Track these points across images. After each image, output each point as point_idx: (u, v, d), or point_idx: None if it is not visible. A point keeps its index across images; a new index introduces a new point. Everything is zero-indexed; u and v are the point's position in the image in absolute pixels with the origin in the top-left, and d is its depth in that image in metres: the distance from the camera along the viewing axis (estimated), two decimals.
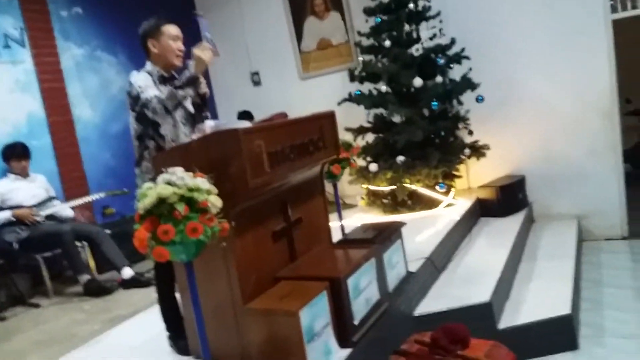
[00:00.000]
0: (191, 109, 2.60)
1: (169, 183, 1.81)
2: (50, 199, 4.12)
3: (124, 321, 3.15)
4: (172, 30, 2.48)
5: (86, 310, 3.57)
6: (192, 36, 2.51)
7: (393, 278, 2.68)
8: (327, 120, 2.72)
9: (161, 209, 1.77)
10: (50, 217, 4.00)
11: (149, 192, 1.78)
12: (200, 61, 2.32)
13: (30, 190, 4.02)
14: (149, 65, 2.49)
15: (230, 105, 6.02)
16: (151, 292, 3.54)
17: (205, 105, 2.61)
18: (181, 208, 1.77)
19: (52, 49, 4.50)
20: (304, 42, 5.71)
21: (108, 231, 4.12)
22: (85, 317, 3.42)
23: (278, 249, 2.43)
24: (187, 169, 1.88)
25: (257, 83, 6.06)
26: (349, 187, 4.70)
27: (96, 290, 3.78)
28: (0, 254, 3.89)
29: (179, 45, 2.48)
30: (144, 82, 2.37)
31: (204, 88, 2.55)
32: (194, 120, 2.61)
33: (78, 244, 3.97)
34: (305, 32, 5.68)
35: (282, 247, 2.45)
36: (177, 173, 1.84)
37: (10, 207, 3.88)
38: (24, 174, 4.04)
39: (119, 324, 3.12)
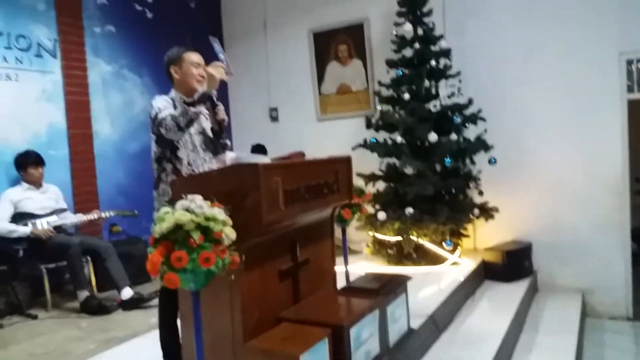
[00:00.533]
0: (210, 134, 2.65)
1: (188, 210, 1.82)
2: (59, 210, 4.12)
3: (120, 343, 3.11)
4: (193, 57, 2.57)
5: (83, 327, 3.52)
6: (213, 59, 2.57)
7: (395, 333, 2.65)
8: (343, 164, 2.75)
9: (177, 235, 1.78)
10: (57, 229, 3.98)
11: (167, 217, 1.79)
12: (212, 78, 2.40)
13: (40, 201, 4.03)
14: (172, 92, 2.59)
15: (246, 138, 6.09)
16: (150, 316, 3.53)
17: (223, 132, 2.66)
18: (196, 236, 1.77)
19: (82, 63, 4.60)
20: (325, 85, 5.83)
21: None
22: (82, 334, 3.37)
23: (283, 288, 2.41)
24: (205, 198, 1.90)
25: (274, 119, 6.15)
26: (355, 232, 4.69)
27: (95, 308, 3.74)
28: (4, 260, 3.88)
29: (200, 71, 2.56)
30: (163, 104, 2.47)
31: (222, 115, 2.61)
32: (213, 146, 2.66)
33: (83, 258, 3.96)
34: (326, 75, 5.81)
35: (287, 287, 2.44)
36: (197, 201, 1.86)
37: (20, 215, 3.88)
38: (38, 182, 4.06)
39: (115, 345, 3.08)
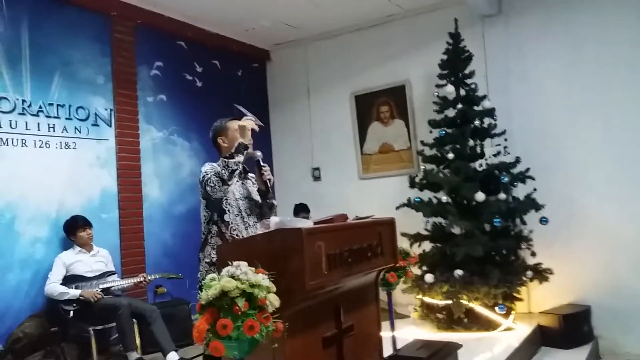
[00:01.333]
0: (257, 198, 2.71)
1: (233, 276, 1.83)
2: (108, 273, 4.22)
3: None
4: (235, 124, 2.71)
5: None
6: None
7: None
8: (386, 227, 2.72)
9: (222, 302, 1.78)
10: (106, 291, 4.07)
11: (213, 284, 1.80)
12: (244, 129, 2.58)
13: (90, 264, 4.14)
14: (220, 161, 2.67)
15: (289, 197, 6.14)
16: None
17: (269, 192, 2.73)
18: (241, 304, 1.77)
19: (135, 130, 4.85)
20: (367, 145, 5.89)
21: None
22: None
23: (326, 356, 2.34)
24: (250, 263, 1.91)
25: (317, 178, 6.22)
26: (402, 295, 4.56)
27: None
28: (55, 321, 3.97)
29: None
30: (209, 168, 2.59)
31: (268, 175, 2.68)
32: (260, 210, 2.71)
33: None
34: (368, 135, 5.88)
35: (331, 354, 2.37)
36: (242, 267, 1.87)
37: (72, 278, 4.00)
38: (88, 244, 4.19)
39: None
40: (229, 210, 2.58)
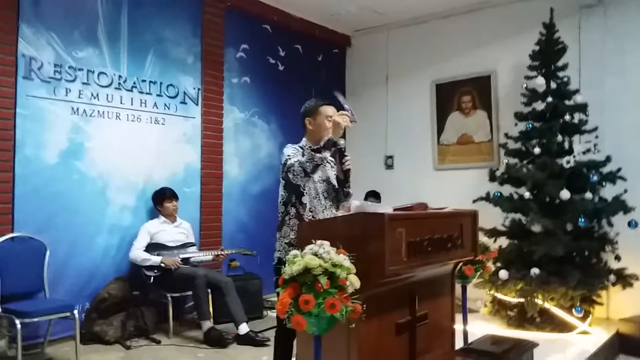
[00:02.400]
0: (334, 182, 2.72)
1: (316, 254, 1.87)
2: (188, 244, 4.44)
3: None
4: (328, 110, 2.70)
5: (199, 357, 3.70)
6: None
7: None
8: (468, 219, 2.67)
9: (305, 278, 1.82)
10: (185, 261, 4.29)
11: (297, 260, 1.85)
12: (337, 125, 2.52)
13: (173, 234, 4.38)
14: (303, 141, 2.72)
15: (360, 184, 6.11)
16: (262, 354, 3.62)
17: (347, 181, 2.73)
18: (323, 281, 1.81)
19: (219, 110, 5.03)
20: (444, 135, 5.76)
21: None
22: None
23: (399, 342, 2.35)
24: (331, 244, 1.94)
25: (389, 166, 6.17)
26: (472, 290, 4.46)
27: (216, 339, 3.91)
28: (137, 286, 4.24)
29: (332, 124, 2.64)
30: (292, 152, 2.62)
31: (348, 165, 2.67)
32: (336, 194, 2.72)
33: None
34: (447, 125, 5.74)
35: (403, 341, 2.37)
36: (325, 246, 1.91)
37: (155, 246, 4.24)
38: (172, 216, 4.43)
39: None
40: (307, 193, 2.60)
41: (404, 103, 6.05)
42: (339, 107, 2.65)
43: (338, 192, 2.73)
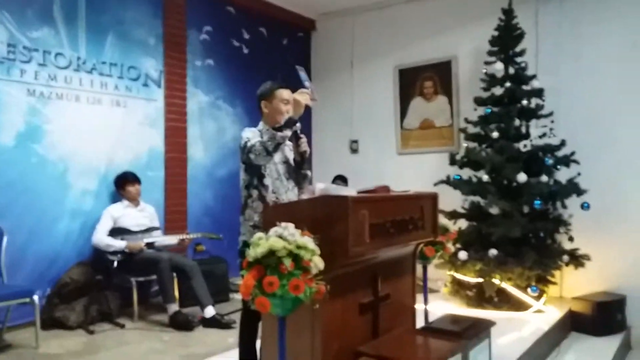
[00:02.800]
0: (293, 164, 2.74)
1: (281, 237, 1.90)
2: (152, 228, 4.40)
3: None
4: (284, 94, 2.67)
5: (165, 341, 3.69)
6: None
7: None
8: (429, 201, 2.74)
9: (270, 261, 1.85)
10: (149, 246, 4.25)
11: (261, 242, 1.87)
12: (298, 104, 2.52)
13: (137, 218, 4.34)
14: (260, 124, 2.71)
15: (326, 169, 6.20)
16: (227, 336, 3.65)
17: (304, 163, 2.74)
18: (288, 263, 1.84)
19: (182, 93, 4.96)
20: (407, 120, 5.85)
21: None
22: (164, 347, 3.54)
23: (363, 322, 2.41)
24: (295, 226, 1.97)
25: (354, 151, 6.24)
26: (433, 270, 4.59)
27: (181, 323, 3.91)
28: (100, 270, 4.19)
29: (288, 107, 2.65)
30: (251, 134, 2.60)
31: (304, 147, 2.68)
32: (296, 176, 2.75)
33: None
34: (410, 110, 5.83)
35: (366, 320, 2.44)
36: (289, 229, 1.93)
37: (118, 230, 4.19)
38: (135, 200, 4.38)
39: None
40: (268, 174, 2.61)
41: (368, 88, 6.10)
42: (300, 85, 2.63)
43: (297, 174, 2.75)
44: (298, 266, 1.87)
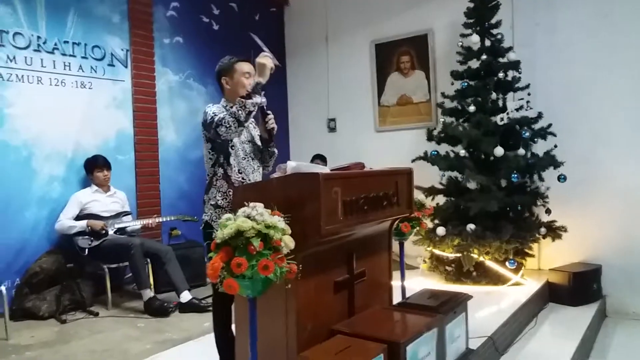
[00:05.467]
0: (259, 143, 2.66)
1: (249, 217, 1.82)
2: (123, 213, 4.28)
3: (174, 345, 3.16)
4: (244, 67, 2.57)
5: (140, 327, 3.61)
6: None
7: (452, 353, 2.54)
8: (404, 177, 2.68)
9: (238, 241, 1.78)
10: (121, 231, 4.14)
11: (229, 223, 1.80)
12: (263, 67, 2.40)
13: (106, 204, 4.21)
14: (222, 101, 2.60)
15: (304, 148, 6.13)
16: (204, 320, 3.58)
17: (272, 141, 2.65)
18: (257, 243, 1.77)
19: (151, 73, 4.80)
20: (385, 96, 5.78)
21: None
22: (139, 334, 3.46)
23: (338, 300, 2.37)
24: (266, 206, 1.90)
25: (332, 129, 6.16)
26: (412, 247, 4.59)
27: (156, 309, 3.83)
28: (72, 258, 4.07)
29: (250, 81, 2.54)
30: (217, 110, 2.50)
31: (271, 124, 2.59)
32: (261, 154, 2.66)
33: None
34: (387, 86, 5.75)
35: (342, 298, 2.39)
36: (258, 208, 1.86)
37: (87, 216, 4.07)
38: (105, 185, 4.24)
39: (170, 347, 3.13)
40: (235, 153, 2.52)
41: (344, 63, 5.99)
42: (258, 50, 2.52)
43: (263, 152, 2.66)
44: (268, 246, 1.81)
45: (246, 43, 5.48)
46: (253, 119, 2.65)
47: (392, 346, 2.07)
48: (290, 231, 1.88)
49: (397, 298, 2.82)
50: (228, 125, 2.36)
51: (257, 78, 2.43)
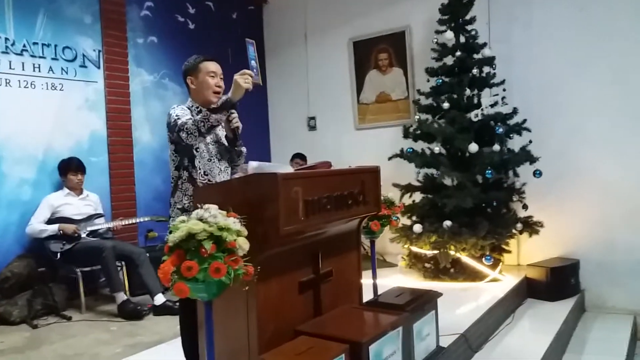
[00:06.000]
0: (226, 143, 2.61)
1: (201, 219, 1.79)
2: (95, 216, 4.22)
3: (145, 348, 3.13)
4: (210, 66, 2.50)
5: (112, 331, 3.57)
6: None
7: (421, 351, 2.52)
8: (370, 175, 2.65)
9: (189, 245, 1.75)
10: (94, 234, 4.09)
11: (181, 226, 1.77)
12: (238, 87, 2.29)
13: (79, 207, 4.16)
14: (188, 102, 2.56)
15: (284, 147, 6.10)
16: (177, 323, 3.52)
17: (237, 140, 2.59)
18: (208, 246, 1.73)
19: (124, 73, 4.74)
20: (364, 94, 5.76)
21: (147, 254, 4.15)
22: (110, 338, 3.42)
23: (303, 300, 2.33)
24: (223, 207, 1.87)
25: (312, 128, 6.13)
26: (392, 245, 4.57)
27: (130, 312, 3.78)
28: (44, 262, 4.01)
29: (216, 81, 2.49)
30: (181, 112, 2.44)
31: (235, 122, 2.52)
32: (229, 155, 2.62)
33: (117, 263, 4.02)
34: (366, 84, 5.74)
35: (307, 299, 2.36)
36: (211, 210, 1.83)
37: (58, 220, 4.01)
38: (77, 189, 4.19)
39: (141, 350, 3.10)
40: (199, 155, 2.48)
41: (323, 62, 5.97)
42: (246, 61, 2.42)
43: (231, 152, 2.62)
44: (221, 249, 1.78)
45: (222, 42, 5.48)
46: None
47: (354, 346, 2.04)
48: (246, 233, 1.85)
49: (369, 296, 2.80)
50: (189, 132, 2.32)
51: (230, 94, 2.34)
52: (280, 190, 2.04)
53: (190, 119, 2.36)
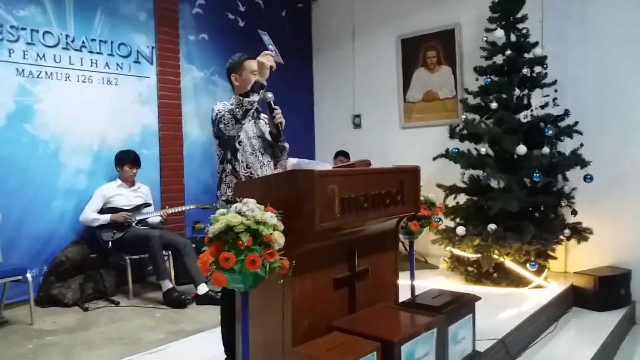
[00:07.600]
0: (269, 138, 2.67)
1: (239, 212, 1.85)
2: (144, 205, 4.39)
3: (187, 336, 3.25)
4: (253, 65, 2.57)
5: (156, 317, 3.72)
6: None
7: (456, 355, 2.49)
8: (409, 175, 2.63)
9: (227, 236, 1.80)
10: (143, 223, 4.26)
11: (220, 218, 1.83)
12: (262, 66, 2.41)
13: (130, 199, 4.34)
14: (232, 98, 2.62)
15: (329, 145, 6.13)
16: (219, 313, 3.63)
17: (281, 135, 2.65)
18: (245, 238, 1.79)
19: (176, 69, 4.90)
20: (410, 92, 5.70)
21: (193, 245, 4.29)
22: (154, 324, 3.57)
23: (338, 297, 2.36)
24: (261, 202, 1.92)
25: (357, 126, 6.13)
26: (434, 247, 4.52)
27: (175, 300, 3.92)
28: (96, 249, 4.22)
29: None
30: (222, 107, 2.53)
31: (279, 118, 2.59)
32: (272, 150, 2.67)
33: (164, 252, 4.17)
34: (413, 82, 5.68)
35: (342, 296, 2.38)
36: (249, 204, 1.88)
37: (110, 210, 4.20)
38: (130, 181, 4.37)
39: (182, 338, 3.22)
40: (241, 149, 2.55)
41: (370, 59, 5.95)
42: (264, 48, 2.53)
43: (274, 147, 2.67)
44: (258, 242, 1.83)
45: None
46: (265, 115, 2.69)
47: (386, 344, 2.05)
48: (282, 227, 1.89)
49: (406, 297, 2.78)
50: (226, 122, 2.41)
51: (255, 78, 2.44)
52: (316, 187, 2.06)
53: (227, 109, 2.43)
